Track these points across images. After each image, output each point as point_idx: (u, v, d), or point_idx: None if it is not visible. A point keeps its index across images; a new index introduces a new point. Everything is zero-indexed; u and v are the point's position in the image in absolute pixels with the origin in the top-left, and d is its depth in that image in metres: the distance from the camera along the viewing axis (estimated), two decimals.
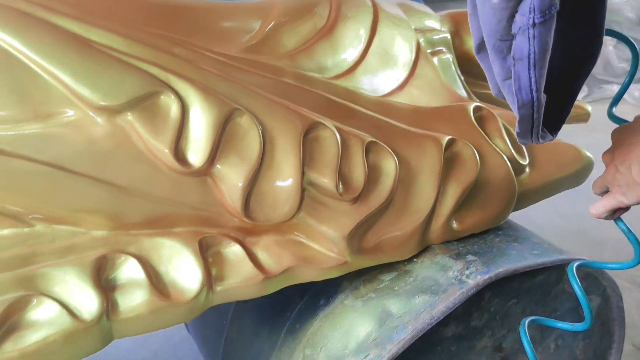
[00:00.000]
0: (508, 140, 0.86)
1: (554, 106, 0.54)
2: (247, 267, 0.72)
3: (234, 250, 0.73)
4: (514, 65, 0.48)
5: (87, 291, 0.65)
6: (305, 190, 0.72)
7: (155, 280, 0.68)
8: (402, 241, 0.78)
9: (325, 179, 0.71)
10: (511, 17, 0.46)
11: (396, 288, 0.77)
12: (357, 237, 0.75)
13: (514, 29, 0.46)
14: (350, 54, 0.83)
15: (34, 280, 0.65)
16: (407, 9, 1.02)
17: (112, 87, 0.64)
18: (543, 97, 0.49)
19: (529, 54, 0.46)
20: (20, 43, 0.64)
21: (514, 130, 0.56)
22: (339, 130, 0.74)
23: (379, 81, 0.86)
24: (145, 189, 0.68)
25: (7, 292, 0.64)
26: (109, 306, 0.65)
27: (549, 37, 0.45)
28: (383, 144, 0.76)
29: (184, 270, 0.69)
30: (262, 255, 0.74)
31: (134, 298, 0.67)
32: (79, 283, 0.65)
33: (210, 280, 0.70)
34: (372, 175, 0.75)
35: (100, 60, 0.65)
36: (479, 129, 0.84)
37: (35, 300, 0.64)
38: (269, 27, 0.78)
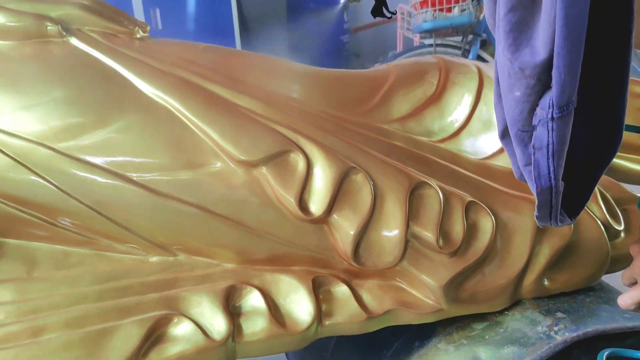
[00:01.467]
0: (603, 206, 0.90)
1: (574, 192, 0.55)
2: (353, 306, 0.81)
3: (341, 290, 0.82)
4: (533, 154, 0.50)
5: (218, 315, 0.77)
6: (409, 241, 0.81)
7: (274, 311, 0.79)
8: (495, 294, 0.84)
9: (428, 233, 0.80)
10: (532, 110, 0.48)
11: (487, 337, 0.83)
12: (453, 287, 0.82)
13: (535, 121, 0.48)
14: (456, 119, 0.92)
15: (175, 302, 0.78)
16: None
17: (252, 144, 0.77)
18: (561, 184, 0.51)
19: (548, 145, 0.48)
20: (180, 105, 0.78)
21: (534, 214, 0.58)
22: (442, 190, 0.82)
23: (481, 144, 0.93)
24: (271, 231, 0.79)
25: (154, 310, 0.77)
26: (235, 330, 0.76)
27: (566, 130, 0.47)
28: (482, 204, 0.84)
29: (299, 304, 0.80)
30: (366, 297, 0.83)
31: (256, 324, 0.78)
32: (211, 308, 0.77)
33: (320, 315, 0.79)
34: (471, 231, 0.83)
35: (243, 121, 0.78)
36: None
37: (176, 319, 0.76)
38: (383, 94, 0.88)
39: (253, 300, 0.79)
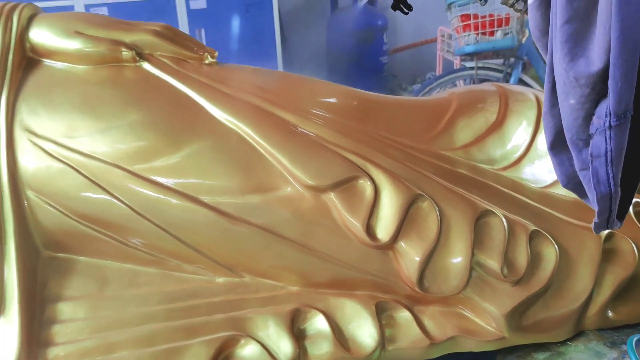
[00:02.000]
0: None
1: (625, 194, 0.55)
2: (415, 332, 0.81)
3: (404, 316, 0.83)
4: (591, 162, 0.51)
5: (284, 338, 0.78)
6: (473, 269, 0.81)
7: (339, 335, 0.80)
8: (557, 324, 0.84)
9: (492, 262, 0.80)
10: (587, 117, 0.49)
11: None
12: (516, 316, 0.82)
13: (592, 129, 0.49)
14: (517, 147, 0.92)
15: (242, 323, 0.79)
16: None
17: (321, 170, 0.78)
18: (619, 190, 0.52)
19: (606, 152, 0.49)
20: (251, 130, 0.81)
21: (593, 221, 0.58)
22: (507, 218, 0.82)
23: (541, 172, 0.93)
24: (336, 256, 0.80)
25: (222, 331, 0.78)
26: (300, 352, 0.77)
27: (624, 137, 0.48)
28: (545, 233, 0.84)
29: (362, 328, 0.80)
30: (429, 323, 0.83)
31: (321, 348, 0.79)
32: (277, 330, 0.78)
33: (383, 340, 0.80)
34: (534, 260, 0.83)
35: (313, 148, 0.80)
36: (638, 224, 0.89)
37: (243, 340, 0.78)
38: (446, 122, 0.89)
39: (318, 323, 0.80)
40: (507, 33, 2.24)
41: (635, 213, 0.91)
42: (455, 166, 0.86)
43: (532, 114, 0.98)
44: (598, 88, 0.48)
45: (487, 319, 0.83)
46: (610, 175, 0.51)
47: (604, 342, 0.84)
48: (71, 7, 2.42)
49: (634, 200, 0.92)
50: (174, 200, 0.78)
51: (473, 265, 0.81)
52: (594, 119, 0.49)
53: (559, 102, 0.53)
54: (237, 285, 0.83)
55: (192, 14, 2.58)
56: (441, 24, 2.94)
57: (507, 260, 0.81)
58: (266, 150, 0.80)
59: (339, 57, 3.51)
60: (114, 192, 0.79)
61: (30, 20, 0.88)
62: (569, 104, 0.51)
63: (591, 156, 0.51)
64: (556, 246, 0.83)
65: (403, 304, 0.83)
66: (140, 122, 0.80)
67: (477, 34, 2.25)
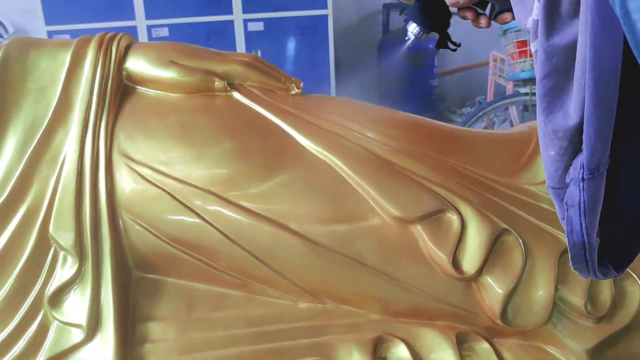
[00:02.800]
0: None
1: (623, 245, 0.55)
2: None
3: (484, 347, 0.83)
4: (567, 210, 0.51)
5: None
6: (555, 304, 0.81)
7: None
8: None
9: (576, 297, 0.81)
10: (566, 169, 0.49)
11: None
12: (599, 353, 0.82)
13: (567, 179, 0.49)
14: None
15: (325, 349, 0.81)
16: None
17: (410, 203, 0.80)
18: (596, 240, 0.51)
19: (580, 203, 0.49)
20: (340, 161, 0.83)
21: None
22: None
23: None
24: (420, 286, 0.82)
25: (307, 356, 0.80)
26: None
27: (597, 191, 0.48)
28: (630, 270, 0.84)
29: (443, 358, 0.81)
30: (508, 356, 0.83)
31: None
32: (360, 358, 0.80)
33: None
34: (618, 297, 0.83)
35: (401, 180, 0.82)
36: None
37: None
38: (528, 156, 0.90)
39: (400, 352, 0.82)
40: None
41: None
42: (538, 201, 0.86)
43: None
44: (576, 141, 0.48)
45: (568, 354, 0.83)
46: (584, 225, 0.51)
47: None
48: (134, 28, 2.51)
49: None
50: (264, 227, 0.81)
51: (556, 301, 0.81)
52: (570, 169, 0.49)
53: (541, 152, 0.54)
54: (320, 311, 0.85)
55: (249, 35, 2.64)
56: (492, 48, 2.94)
57: (591, 297, 0.82)
58: (354, 181, 0.82)
59: (390, 79, 3.54)
60: (206, 217, 0.82)
61: (127, 49, 0.92)
62: (549, 154, 0.51)
63: (566, 204, 0.51)
64: None
65: (482, 336, 0.84)
66: (234, 151, 0.84)
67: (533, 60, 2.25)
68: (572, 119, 0.48)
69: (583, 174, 0.48)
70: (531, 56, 2.22)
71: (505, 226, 0.81)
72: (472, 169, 0.86)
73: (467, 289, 0.82)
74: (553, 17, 0.47)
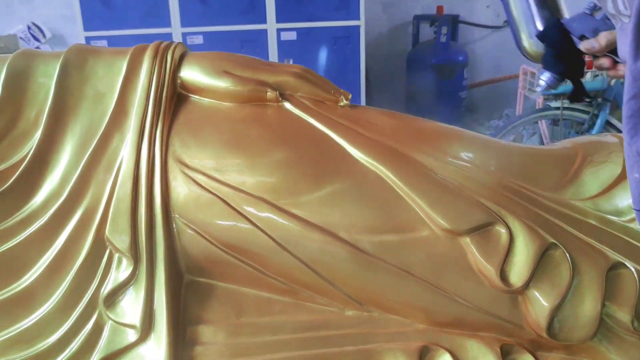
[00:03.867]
0: None
1: None
2: None
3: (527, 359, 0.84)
4: None
5: None
6: (602, 319, 0.82)
7: None
8: None
9: (623, 314, 0.81)
10: None
11: None
12: None
13: None
14: None
15: (372, 356, 0.83)
16: None
17: (459, 216, 0.82)
18: None
19: None
20: (390, 172, 0.85)
21: None
22: (637, 271, 0.83)
23: None
24: (467, 298, 0.83)
25: None
26: None
27: None
28: None
29: None
30: None
31: None
32: None
33: None
34: None
35: (450, 192, 0.83)
36: None
37: None
38: (574, 172, 0.91)
39: None
40: (597, 75, 2.23)
41: None
42: (585, 216, 0.87)
43: None
44: None
45: None
46: None
47: None
48: (169, 35, 2.56)
49: None
50: (314, 235, 0.83)
51: (602, 316, 0.82)
52: None
53: (627, 174, 0.54)
54: (366, 320, 0.86)
55: (282, 44, 2.68)
56: (521, 61, 2.94)
57: (637, 313, 0.82)
58: (404, 192, 0.84)
59: (418, 90, 3.56)
60: (258, 223, 0.84)
61: (181, 58, 0.95)
62: (634, 177, 0.52)
63: None
64: None
65: (526, 348, 0.85)
66: (286, 160, 0.86)
67: None
68: None
69: None
70: None
71: (553, 240, 0.82)
72: (521, 184, 0.87)
73: (513, 301, 0.83)
74: None
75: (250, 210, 0.84)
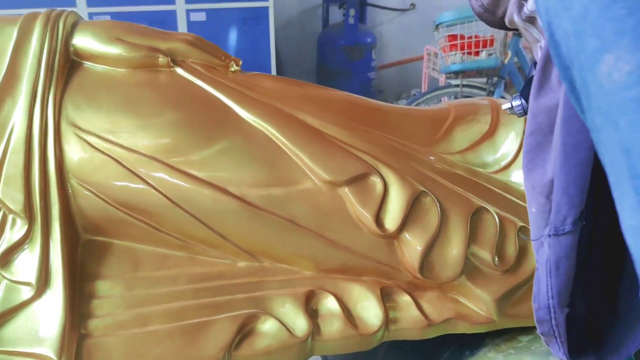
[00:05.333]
0: None
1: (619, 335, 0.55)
2: (415, 313, 0.92)
3: (405, 300, 0.93)
4: (537, 269, 0.52)
5: (299, 316, 0.88)
6: (468, 259, 0.92)
7: (348, 314, 0.90)
8: None
9: (485, 252, 0.91)
10: (545, 226, 0.50)
11: (533, 348, 0.94)
12: (504, 302, 0.93)
13: (543, 232, 0.50)
14: (506, 154, 1.03)
15: (262, 302, 0.89)
16: None
17: (338, 167, 0.89)
18: (564, 310, 0.51)
19: (547, 261, 0.50)
20: (276, 130, 0.91)
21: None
22: (498, 215, 0.94)
23: None
24: (348, 244, 0.90)
25: (244, 308, 0.88)
26: (314, 329, 0.87)
27: (562, 251, 0.48)
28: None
29: (369, 309, 0.90)
30: (427, 307, 0.93)
31: (332, 325, 0.88)
32: (294, 309, 0.88)
33: (387, 320, 0.90)
34: (521, 253, 0.94)
35: (330, 147, 0.90)
36: None
37: (263, 317, 0.87)
38: (446, 129, 1.00)
39: (329, 304, 0.90)
40: (491, 54, 2.38)
41: None
42: (454, 168, 0.97)
43: (520, 126, 1.09)
44: (552, 198, 0.49)
45: (479, 304, 0.93)
46: (549, 286, 0.51)
47: None
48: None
49: None
50: (205, 191, 0.88)
51: (468, 256, 0.91)
52: (547, 227, 0.50)
53: (528, 208, 0.55)
54: (257, 269, 0.92)
55: (191, 25, 2.68)
56: (427, 43, 3.08)
57: (498, 252, 0.92)
58: (289, 149, 0.90)
59: (329, 72, 3.64)
60: (151, 182, 0.88)
61: (73, 26, 0.97)
62: (532, 212, 0.53)
63: (537, 262, 0.53)
64: None
65: (404, 289, 0.94)
66: (177, 121, 0.90)
67: (463, 53, 2.39)
68: (548, 175, 0.49)
69: (550, 230, 0.49)
70: (461, 49, 2.35)
71: (423, 189, 0.91)
72: (395, 139, 0.95)
73: (390, 246, 0.91)
74: (544, 81, 0.49)
75: (143, 170, 0.88)
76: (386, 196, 0.90)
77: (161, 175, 0.88)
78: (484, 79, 2.45)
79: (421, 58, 3.15)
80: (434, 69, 2.84)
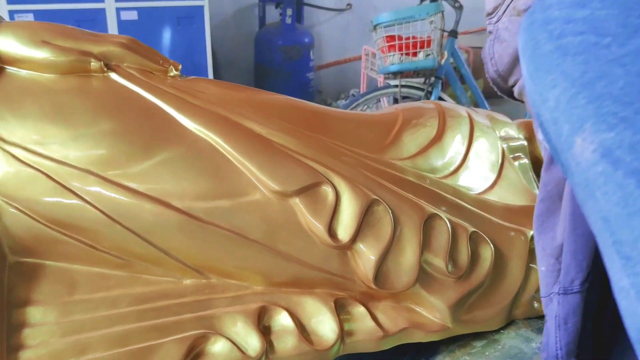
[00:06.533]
0: None
1: None
2: (370, 325, 0.89)
3: (359, 311, 0.90)
4: (546, 322, 0.57)
5: (251, 334, 0.83)
6: (421, 267, 0.90)
7: (301, 330, 0.86)
8: (493, 315, 0.94)
9: (439, 260, 0.90)
10: (555, 283, 0.56)
11: (487, 353, 0.93)
12: (458, 309, 0.92)
13: (552, 290, 0.56)
14: (454, 158, 1.03)
15: (211, 322, 0.84)
16: (491, 118, 1.22)
17: (287, 177, 0.85)
18: None
19: (556, 316, 0.55)
20: (221, 139, 0.86)
21: None
22: (450, 221, 0.92)
23: (475, 181, 1.04)
24: (300, 256, 0.87)
25: (192, 329, 0.82)
26: (267, 347, 0.83)
27: (570, 309, 0.54)
28: (483, 234, 0.94)
29: (323, 323, 0.87)
30: (382, 317, 0.91)
31: (286, 342, 0.84)
32: (245, 327, 0.84)
33: (342, 333, 0.87)
34: (473, 259, 0.93)
35: (279, 156, 0.86)
36: None
37: (213, 337, 0.82)
38: (395, 135, 0.98)
39: (282, 320, 0.86)
40: (429, 54, 2.40)
41: None
42: (404, 174, 0.95)
43: (466, 129, 1.09)
44: (561, 260, 0.55)
45: (434, 312, 0.92)
46: (558, 338, 0.56)
47: (531, 329, 0.96)
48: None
49: None
50: (146, 205, 0.82)
51: (422, 264, 0.90)
52: (556, 284, 0.56)
53: (538, 266, 0.60)
54: (204, 286, 0.87)
55: (122, 24, 2.56)
56: (364, 43, 3.08)
57: (451, 259, 0.91)
58: (235, 158, 0.85)
59: (267, 72, 3.59)
60: (86, 197, 0.81)
61: None
62: (541, 270, 0.58)
63: (546, 316, 0.57)
64: (492, 246, 0.94)
65: (358, 300, 0.91)
66: (113, 131, 0.84)
67: (402, 54, 2.40)
68: (558, 239, 0.55)
69: (559, 288, 0.54)
70: (400, 50, 2.36)
71: (375, 197, 0.88)
72: (345, 146, 0.92)
73: (344, 257, 0.88)
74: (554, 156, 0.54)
75: (76, 184, 0.81)
76: (338, 205, 0.87)
77: (97, 189, 0.82)
78: (422, 79, 2.47)
79: (359, 58, 3.15)
80: (372, 69, 2.85)
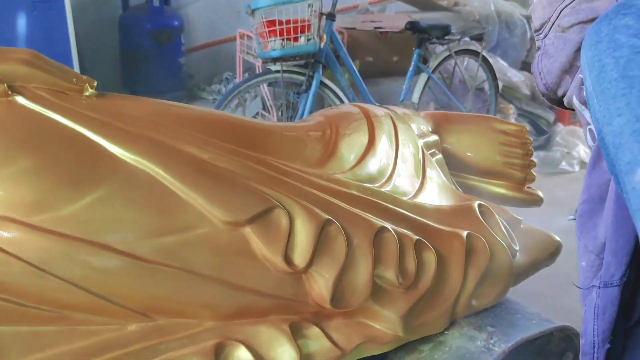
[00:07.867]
0: (505, 231, 1.08)
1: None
2: (327, 345, 0.87)
3: (314, 332, 0.87)
4: (585, 312, 0.61)
5: None
6: (373, 281, 0.89)
7: None
8: (438, 317, 0.97)
9: (390, 272, 0.89)
10: (594, 278, 0.61)
11: (436, 356, 0.95)
12: (408, 317, 0.92)
13: (592, 283, 0.61)
14: (387, 163, 1.03)
15: None
16: (404, 114, 1.23)
17: (238, 206, 0.79)
18: (605, 346, 0.59)
19: (595, 307, 0.59)
20: (161, 169, 0.78)
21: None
22: (396, 232, 0.92)
23: (406, 184, 1.05)
24: (253, 286, 0.82)
25: None
26: None
27: (609, 301, 0.58)
28: (425, 241, 0.95)
29: (282, 352, 0.83)
30: (336, 335, 0.89)
31: None
32: None
33: (301, 358, 0.84)
34: (419, 266, 0.94)
35: (225, 183, 0.80)
36: (484, 223, 1.06)
37: None
38: (332, 146, 0.95)
39: (241, 355, 0.81)
40: (310, 39, 2.38)
41: (481, 213, 1.07)
42: (349, 188, 0.92)
43: (390, 128, 1.09)
44: (602, 256, 0.59)
45: (385, 323, 0.92)
46: (596, 327, 0.60)
47: (473, 327, 0.99)
48: None
49: (478, 202, 1.09)
50: (82, 250, 0.72)
51: (374, 278, 0.89)
52: (595, 279, 0.60)
53: (578, 260, 0.64)
54: (151, 330, 0.79)
55: None
56: (237, 26, 2.98)
57: (400, 269, 0.91)
58: (179, 189, 0.78)
59: (135, 59, 3.36)
60: (7, 248, 0.70)
61: None
62: (581, 265, 0.62)
63: (585, 306, 0.61)
64: (434, 252, 0.95)
65: (311, 321, 0.88)
66: (34, 168, 0.72)
67: (283, 39, 2.35)
68: (600, 238, 0.59)
69: (599, 282, 0.58)
70: (281, 35, 2.31)
71: (327, 217, 0.85)
72: (288, 164, 0.88)
73: (298, 280, 0.85)
74: (597, 160, 0.58)
75: None
76: (292, 230, 0.83)
77: (21, 237, 0.70)
78: (301, 63, 2.44)
79: (231, 39, 3.04)
80: (248, 52, 2.76)
